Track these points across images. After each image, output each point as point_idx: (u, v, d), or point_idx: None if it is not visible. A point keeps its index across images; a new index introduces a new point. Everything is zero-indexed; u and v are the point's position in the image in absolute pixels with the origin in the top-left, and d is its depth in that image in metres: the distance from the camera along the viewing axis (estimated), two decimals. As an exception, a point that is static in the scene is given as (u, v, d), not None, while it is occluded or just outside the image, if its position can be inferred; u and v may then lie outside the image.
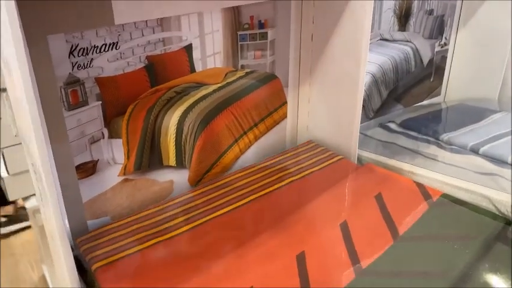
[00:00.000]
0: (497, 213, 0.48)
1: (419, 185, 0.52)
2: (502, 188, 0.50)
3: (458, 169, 0.55)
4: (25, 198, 0.89)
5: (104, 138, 0.45)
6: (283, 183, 0.54)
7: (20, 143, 0.74)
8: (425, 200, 0.49)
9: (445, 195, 0.50)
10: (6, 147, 0.88)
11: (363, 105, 0.69)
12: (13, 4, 0.28)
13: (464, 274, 0.40)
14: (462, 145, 0.61)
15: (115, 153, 0.46)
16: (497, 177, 0.53)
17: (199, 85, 0.51)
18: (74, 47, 0.40)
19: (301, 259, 0.42)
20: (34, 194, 0.85)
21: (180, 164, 0.52)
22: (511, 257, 0.41)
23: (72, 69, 0.41)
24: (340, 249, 0.43)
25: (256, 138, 0.59)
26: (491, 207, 0.48)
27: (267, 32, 0.54)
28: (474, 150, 0.60)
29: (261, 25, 0.53)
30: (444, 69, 0.80)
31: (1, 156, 0.89)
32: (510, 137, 0.62)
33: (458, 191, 0.50)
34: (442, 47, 0.77)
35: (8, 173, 0.90)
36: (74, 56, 0.40)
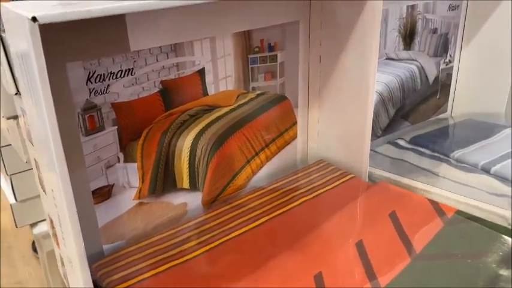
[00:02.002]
0: (512, 229, 0.48)
1: (433, 202, 0.52)
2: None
3: (471, 189, 0.56)
4: (33, 225, 0.89)
5: (119, 162, 0.46)
6: (296, 203, 0.54)
7: (29, 169, 0.74)
8: (440, 217, 0.49)
9: (459, 212, 0.50)
10: (15, 173, 0.88)
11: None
12: (38, 32, 0.29)
13: (484, 292, 0.40)
14: (473, 163, 0.61)
15: (130, 177, 0.47)
16: (510, 199, 0.53)
17: (211, 108, 0.52)
18: (91, 74, 0.41)
19: (319, 280, 0.42)
20: (42, 220, 0.85)
21: (194, 186, 0.52)
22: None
23: (90, 96, 0.41)
24: (358, 268, 0.43)
25: (268, 159, 0.59)
26: (507, 225, 0.48)
27: (276, 55, 0.55)
28: (485, 170, 0.60)
29: (271, 48, 0.54)
30: (450, 86, 0.81)
31: (10, 183, 0.89)
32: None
33: (473, 209, 0.51)
34: (447, 65, 0.78)
35: (15, 199, 0.90)
36: (92, 83, 0.41)
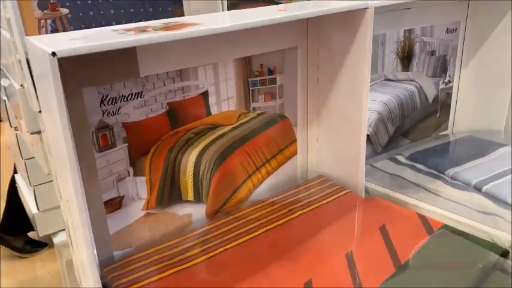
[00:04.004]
0: (494, 244, 0.50)
1: (421, 217, 0.55)
2: (501, 229, 0.52)
3: (460, 206, 0.58)
4: (53, 234, 0.94)
5: (129, 176, 0.50)
6: (293, 216, 0.57)
7: (51, 181, 0.80)
8: (427, 230, 0.52)
9: (445, 226, 0.53)
10: (38, 185, 0.94)
11: (371, 141, 0.73)
12: (56, 64, 0.34)
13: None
14: (466, 181, 0.64)
15: (139, 190, 0.52)
16: (498, 218, 0.55)
17: (215, 126, 0.56)
18: (104, 97, 0.46)
19: (308, 286, 0.46)
20: (62, 230, 0.90)
21: (198, 198, 0.57)
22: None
23: (103, 116, 0.46)
24: (345, 277, 0.47)
25: (269, 174, 0.63)
26: (490, 240, 0.51)
27: (276, 78, 0.60)
28: (477, 188, 0.62)
29: (270, 71, 0.59)
30: (450, 105, 0.84)
31: (33, 194, 0.95)
32: (512, 175, 0.65)
33: (459, 225, 0.53)
34: (446, 85, 0.81)
35: (38, 209, 0.96)
36: (105, 105, 0.46)
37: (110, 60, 0.45)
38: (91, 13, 0.85)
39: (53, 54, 0.33)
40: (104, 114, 0.46)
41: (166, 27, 0.43)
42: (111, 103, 0.47)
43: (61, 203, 0.54)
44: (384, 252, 0.50)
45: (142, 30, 0.42)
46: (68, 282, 0.90)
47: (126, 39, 0.38)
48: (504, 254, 0.48)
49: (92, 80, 0.45)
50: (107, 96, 0.46)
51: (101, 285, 0.42)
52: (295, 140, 0.65)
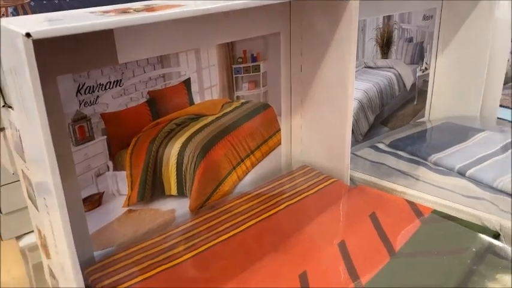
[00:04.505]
0: (485, 227, 0.50)
1: (411, 203, 0.54)
2: (490, 212, 0.52)
3: (447, 191, 0.58)
4: (19, 237, 0.89)
5: (109, 170, 0.47)
6: (280, 207, 0.56)
7: (16, 181, 0.75)
8: (417, 217, 0.52)
9: (435, 212, 0.52)
10: (1, 185, 0.88)
11: (352, 129, 0.72)
12: (31, 47, 0.30)
13: (461, 285, 0.42)
14: (449, 167, 0.64)
15: (119, 185, 0.48)
16: (486, 202, 0.55)
17: (197, 116, 0.54)
18: (81, 86, 0.42)
19: (303, 278, 0.44)
20: (28, 233, 0.85)
21: (181, 193, 0.54)
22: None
23: (80, 107, 0.43)
24: (340, 267, 0.45)
25: (253, 165, 0.61)
26: (480, 224, 0.51)
27: (259, 65, 0.57)
28: (461, 173, 0.62)
29: (254, 58, 0.57)
30: (427, 92, 0.84)
31: (-3, 195, 0.89)
32: (494, 159, 0.65)
33: (449, 210, 0.53)
34: (423, 72, 0.82)
35: (1, 211, 0.90)
36: (81, 94, 0.43)
37: (86, 45, 0.42)
38: (56, 1, 0.80)
39: (28, 35, 0.30)
40: (80, 104, 0.43)
41: (149, 9, 0.40)
42: (89, 92, 0.43)
43: (29, 204, 0.50)
44: (377, 240, 0.49)
45: (123, 11, 0.39)
46: (35, 285, 0.85)
47: (111, 20, 0.35)
48: (495, 236, 0.49)
49: (67, 67, 0.41)
50: (83, 85, 0.43)
51: (84, 289, 0.39)
52: (279, 130, 0.63)
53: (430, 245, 0.48)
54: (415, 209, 0.53)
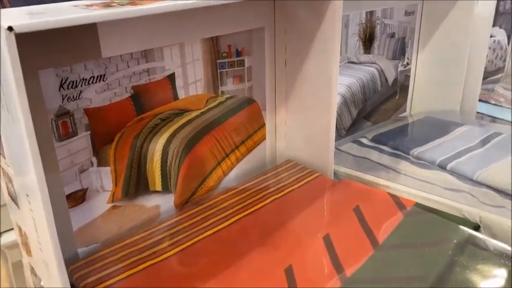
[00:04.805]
0: (465, 219, 0.51)
1: (394, 197, 0.55)
2: (471, 205, 0.54)
3: (428, 184, 0.59)
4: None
5: (93, 166, 0.47)
6: (266, 202, 0.56)
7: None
8: (400, 209, 0.53)
9: (417, 204, 0.53)
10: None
11: (335, 124, 0.72)
12: (14, 41, 0.30)
13: (443, 276, 0.43)
14: (431, 160, 0.65)
15: (104, 181, 0.48)
16: (465, 194, 0.57)
17: (182, 111, 0.53)
18: (63, 81, 0.42)
19: (289, 272, 0.44)
20: (7, 230, 0.84)
21: (166, 188, 0.54)
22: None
23: (62, 102, 0.42)
24: (325, 260, 0.46)
25: (238, 160, 0.61)
26: (461, 216, 0.52)
27: (244, 60, 0.57)
28: (442, 166, 0.64)
29: (238, 53, 0.57)
30: (408, 87, 0.85)
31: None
32: (474, 152, 0.67)
33: (431, 203, 0.54)
34: (405, 67, 0.83)
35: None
36: (64, 89, 0.42)
37: (69, 39, 0.41)
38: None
39: (10, 29, 0.29)
40: (63, 99, 0.42)
41: (133, 3, 0.39)
42: (72, 87, 0.42)
43: (9, 201, 0.49)
44: (361, 233, 0.50)
45: (107, 5, 0.38)
46: (14, 285, 0.84)
47: (93, 14, 0.34)
48: (476, 228, 0.50)
49: (49, 61, 0.40)
50: (66, 80, 0.42)
51: (69, 287, 0.38)
52: (264, 125, 0.63)
53: (412, 237, 0.48)
54: (398, 202, 0.54)
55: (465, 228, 0.49)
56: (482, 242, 0.48)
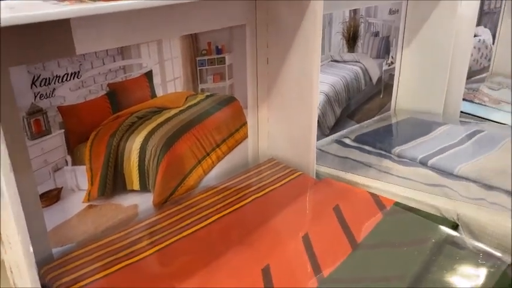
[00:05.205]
0: (444, 218, 0.51)
1: (374, 195, 0.55)
2: (449, 198, 0.54)
3: (409, 181, 0.59)
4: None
5: (67, 165, 0.46)
6: (246, 201, 0.56)
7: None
8: (380, 209, 0.53)
9: (397, 204, 0.53)
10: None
11: (319, 123, 0.72)
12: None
13: (420, 276, 0.43)
14: (412, 158, 0.65)
15: (79, 180, 0.47)
16: (445, 188, 0.57)
17: (160, 109, 0.53)
18: (36, 78, 0.41)
19: (266, 272, 0.44)
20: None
21: (144, 187, 0.53)
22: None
23: (35, 99, 0.41)
24: (303, 260, 0.46)
25: (219, 159, 0.61)
26: (439, 215, 0.52)
27: (224, 57, 0.57)
28: (423, 163, 0.64)
29: (219, 50, 0.56)
30: (392, 86, 0.85)
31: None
32: (455, 149, 0.67)
33: (410, 201, 0.54)
34: (389, 66, 0.83)
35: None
36: (36, 87, 0.41)
37: (41, 35, 0.40)
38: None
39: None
40: (35, 97, 0.41)
41: (105, -1, 0.38)
42: (44, 84, 0.42)
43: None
44: (340, 233, 0.49)
45: (79, 0, 0.37)
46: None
47: (64, 10, 0.33)
48: (454, 227, 0.50)
49: (20, 58, 0.39)
50: (38, 77, 0.41)
51: (39, 287, 0.37)
52: (245, 123, 0.62)
53: (391, 237, 0.48)
54: (378, 201, 0.54)
55: (443, 228, 0.49)
56: (461, 241, 0.48)
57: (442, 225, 0.49)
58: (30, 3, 0.37)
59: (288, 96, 0.60)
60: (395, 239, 0.48)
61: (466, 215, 0.50)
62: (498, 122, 0.81)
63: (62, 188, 0.46)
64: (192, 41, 0.53)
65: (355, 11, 0.72)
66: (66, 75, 0.43)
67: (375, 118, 0.83)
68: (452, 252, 0.46)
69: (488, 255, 0.45)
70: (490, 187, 0.56)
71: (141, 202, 0.53)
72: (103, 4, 0.36)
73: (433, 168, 0.62)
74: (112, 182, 0.50)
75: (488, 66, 1.07)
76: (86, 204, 0.48)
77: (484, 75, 1.06)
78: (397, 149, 0.68)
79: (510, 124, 0.79)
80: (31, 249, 0.45)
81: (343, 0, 0.70)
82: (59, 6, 0.35)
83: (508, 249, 0.46)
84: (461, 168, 0.60)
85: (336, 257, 0.46)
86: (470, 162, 0.62)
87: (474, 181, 0.58)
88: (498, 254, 0.44)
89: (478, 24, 0.98)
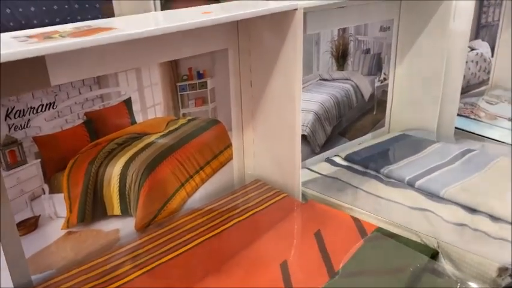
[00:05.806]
0: (424, 245, 0.51)
1: (356, 220, 0.55)
2: (431, 224, 0.53)
3: (394, 204, 0.59)
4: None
5: (44, 194, 0.46)
6: (229, 224, 0.56)
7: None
8: (361, 235, 0.52)
9: (379, 229, 0.53)
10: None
11: (308, 142, 0.72)
12: None
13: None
14: (400, 178, 0.65)
15: (57, 208, 0.48)
16: (429, 213, 0.56)
17: (140, 135, 0.53)
18: (10, 110, 0.41)
19: (240, 302, 0.44)
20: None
21: (126, 212, 0.53)
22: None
23: (9, 131, 0.42)
24: (280, 289, 0.45)
25: (203, 181, 0.61)
26: (420, 241, 0.52)
27: (206, 81, 0.57)
28: (410, 184, 0.63)
29: (200, 75, 0.56)
30: (386, 102, 0.85)
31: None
32: (443, 170, 0.66)
33: (392, 226, 0.54)
34: (382, 82, 0.82)
35: None
36: (11, 118, 0.42)
37: (14, 69, 0.40)
38: (8, 11, 0.79)
39: None
40: (10, 128, 0.42)
41: (76, 33, 0.39)
42: (19, 116, 0.42)
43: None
44: (319, 260, 0.49)
45: (48, 36, 0.38)
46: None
47: (27, 48, 0.34)
48: (434, 255, 0.49)
49: (-7, 92, 0.40)
50: (12, 109, 0.42)
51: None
52: (230, 145, 0.63)
53: (370, 265, 0.48)
54: (360, 226, 0.54)
55: (423, 256, 0.48)
56: (440, 269, 0.47)
57: (422, 252, 0.49)
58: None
59: (272, 118, 0.60)
60: (374, 267, 0.48)
61: (446, 242, 0.49)
62: (493, 139, 0.80)
63: (39, 216, 0.46)
64: (172, 67, 0.53)
65: (343, 30, 0.72)
66: (41, 106, 0.44)
67: (368, 135, 0.83)
68: (431, 280, 0.46)
69: (466, 285, 0.44)
70: (474, 211, 0.55)
71: (123, 227, 0.53)
72: (71, 40, 0.37)
73: (420, 189, 0.62)
74: (91, 209, 0.50)
75: (487, 79, 1.05)
76: (65, 231, 0.49)
77: (483, 88, 1.04)
78: (385, 169, 0.67)
79: (506, 141, 0.78)
80: (9, 276, 0.46)
81: (329, 19, 0.69)
82: (28, 44, 0.35)
83: (486, 279, 0.45)
84: (448, 191, 0.59)
85: (312, 286, 0.45)
86: (457, 184, 0.61)
87: (459, 204, 0.57)
88: (474, 286, 0.43)
89: (476, 37, 0.97)
